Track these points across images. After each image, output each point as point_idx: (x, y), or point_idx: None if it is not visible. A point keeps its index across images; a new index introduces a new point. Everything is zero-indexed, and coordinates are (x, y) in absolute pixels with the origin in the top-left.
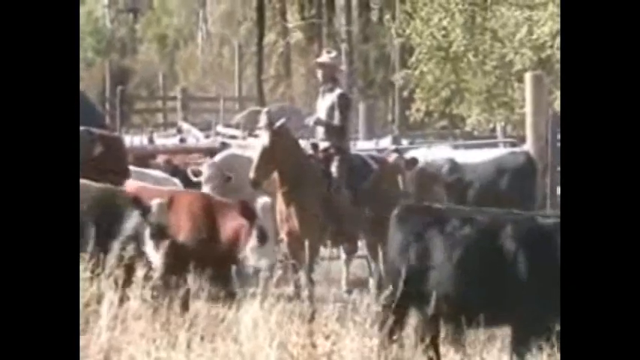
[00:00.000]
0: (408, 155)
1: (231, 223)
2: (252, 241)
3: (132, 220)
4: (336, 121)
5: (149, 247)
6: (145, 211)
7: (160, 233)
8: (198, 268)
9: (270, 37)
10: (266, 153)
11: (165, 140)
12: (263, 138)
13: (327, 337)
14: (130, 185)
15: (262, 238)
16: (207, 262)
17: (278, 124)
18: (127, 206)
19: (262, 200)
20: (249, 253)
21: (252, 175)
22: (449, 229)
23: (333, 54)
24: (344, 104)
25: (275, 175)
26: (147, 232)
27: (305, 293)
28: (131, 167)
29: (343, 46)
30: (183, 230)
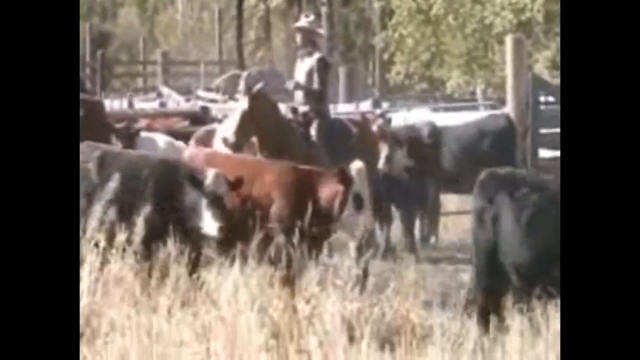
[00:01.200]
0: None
1: (325, 191)
2: (349, 207)
3: (190, 192)
4: (315, 85)
5: (206, 218)
6: (201, 181)
7: (217, 204)
8: (292, 239)
9: (249, 0)
10: (245, 116)
11: (146, 104)
12: (242, 102)
13: (307, 301)
14: (209, 154)
15: (359, 204)
16: (304, 233)
17: (256, 88)
18: (186, 177)
19: (357, 165)
20: (346, 220)
21: (232, 138)
22: (534, 195)
23: (312, 18)
24: (323, 68)
25: (254, 139)
26: (203, 203)
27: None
28: (142, 133)
29: (323, 10)
30: (277, 202)
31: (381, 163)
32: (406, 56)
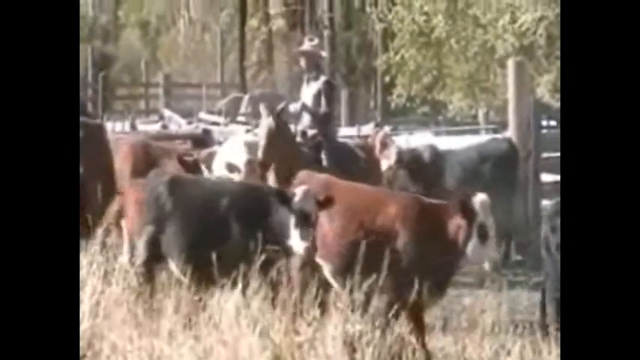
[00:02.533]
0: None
1: (449, 224)
2: (474, 241)
3: (277, 212)
4: (323, 108)
5: (294, 236)
6: (290, 198)
7: (305, 222)
8: (420, 275)
9: (252, 23)
10: (272, 135)
11: (148, 127)
12: (267, 121)
13: (309, 324)
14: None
15: (484, 236)
16: (429, 269)
17: (280, 107)
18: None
19: (480, 197)
20: (471, 253)
21: (261, 156)
22: None
23: (315, 41)
24: (330, 91)
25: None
26: (292, 221)
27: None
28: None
29: (325, 33)
30: (402, 235)
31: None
32: (408, 79)
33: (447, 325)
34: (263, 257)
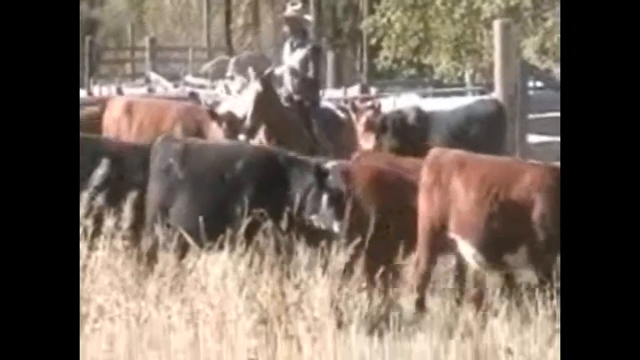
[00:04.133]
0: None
1: None
2: None
3: (298, 184)
4: (310, 73)
5: (328, 214)
6: (321, 174)
7: (339, 199)
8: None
9: None
10: (260, 100)
11: (134, 90)
12: (254, 85)
13: (296, 287)
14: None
15: None
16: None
17: (267, 71)
18: (294, 169)
19: None
20: None
21: (248, 122)
22: None
23: (299, 5)
24: (317, 57)
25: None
26: (324, 198)
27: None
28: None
29: None
30: (539, 206)
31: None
32: (394, 41)
33: (434, 287)
34: (248, 220)
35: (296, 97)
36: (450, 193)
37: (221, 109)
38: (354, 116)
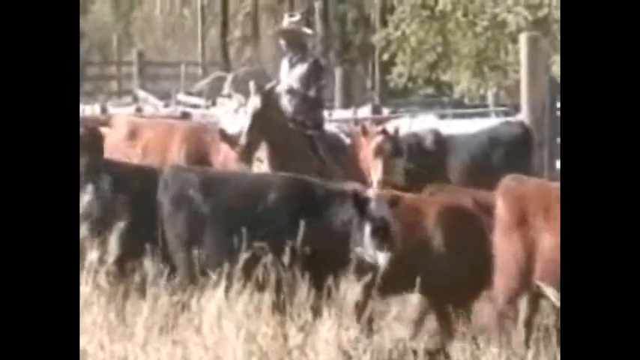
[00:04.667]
0: (388, 126)
1: None
2: None
3: (339, 214)
4: (312, 92)
5: (371, 245)
6: (362, 203)
7: (385, 230)
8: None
9: None
10: (258, 117)
11: (120, 110)
12: (253, 100)
13: (300, 329)
14: None
15: None
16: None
17: (269, 86)
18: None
19: None
20: None
21: (243, 140)
22: None
23: (297, 17)
24: (319, 73)
25: (263, 145)
26: (367, 229)
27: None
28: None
29: (317, 5)
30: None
31: (375, 182)
32: (409, 57)
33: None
34: (247, 255)
35: (297, 119)
36: (534, 232)
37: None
38: (363, 140)
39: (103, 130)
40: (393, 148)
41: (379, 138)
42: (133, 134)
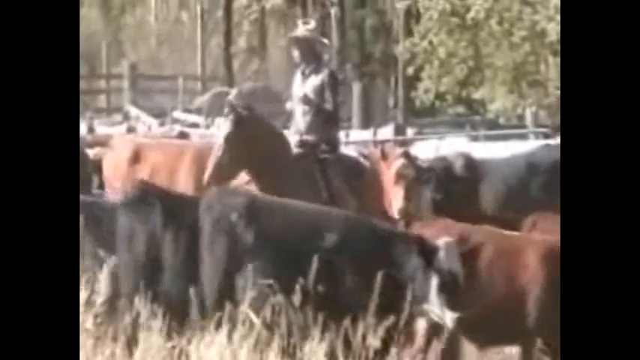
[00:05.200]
0: (411, 149)
1: None
2: None
3: (404, 264)
4: (328, 105)
5: (438, 303)
6: (427, 252)
7: (453, 286)
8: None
9: (241, 0)
10: (230, 144)
11: (109, 129)
12: (225, 125)
13: None
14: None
15: None
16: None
17: (232, 94)
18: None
19: None
20: None
21: (207, 176)
22: None
23: (311, 24)
24: (335, 86)
25: (245, 176)
26: (434, 283)
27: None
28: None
29: (333, 11)
30: None
31: (395, 211)
32: (437, 70)
33: None
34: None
35: (309, 139)
36: None
37: None
38: (383, 165)
39: (101, 151)
40: (417, 174)
41: (400, 162)
42: (136, 157)
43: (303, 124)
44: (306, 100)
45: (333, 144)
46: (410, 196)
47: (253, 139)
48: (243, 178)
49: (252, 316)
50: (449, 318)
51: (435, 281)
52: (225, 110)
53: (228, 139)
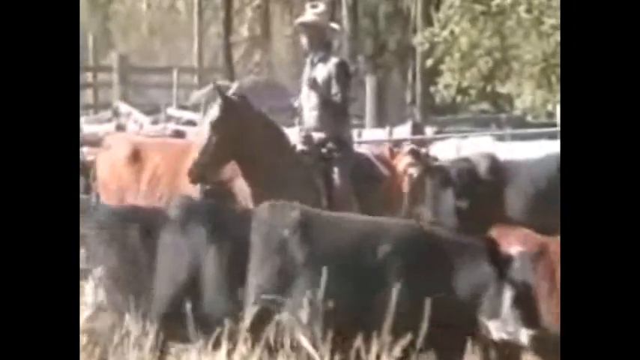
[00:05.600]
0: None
1: None
2: None
3: (470, 276)
4: (337, 97)
5: (512, 318)
6: (501, 262)
7: (528, 300)
8: None
9: None
10: (216, 131)
11: (97, 127)
12: (213, 109)
13: None
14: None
15: None
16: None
17: (232, 89)
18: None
19: None
20: None
21: (191, 162)
22: None
23: (321, 8)
24: (344, 76)
25: (235, 167)
26: (507, 296)
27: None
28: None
29: None
30: None
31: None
32: (458, 63)
33: None
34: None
35: (315, 135)
36: None
37: None
38: (400, 167)
39: (90, 151)
40: (436, 177)
41: (406, 160)
42: (135, 157)
43: (310, 118)
44: (313, 85)
45: (343, 142)
46: (415, 198)
47: (244, 128)
48: (226, 173)
49: (306, 344)
50: (524, 335)
51: (508, 294)
52: (214, 94)
53: (215, 126)
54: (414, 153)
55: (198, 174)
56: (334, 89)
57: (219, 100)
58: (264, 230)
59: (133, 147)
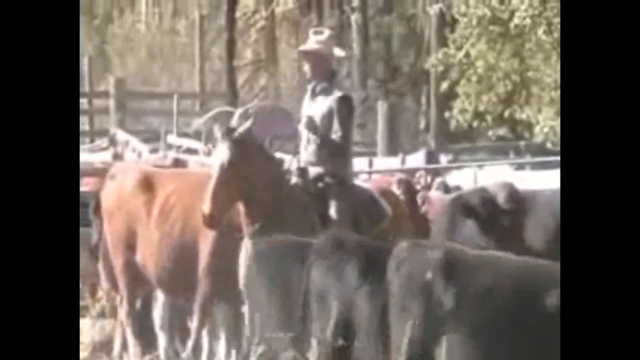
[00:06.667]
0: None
1: None
2: None
3: None
4: (337, 135)
5: None
6: None
7: None
8: None
9: (246, 4)
10: (227, 174)
11: (93, 156)
12: (221, 151)
13: None
14: None
15: None
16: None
17: (242, 129)
18: None
19: None
20: None
21: (207, 208)
22: None
23: (326, 35)
24: (346, 112)
25: (240, 207)
26: None
27: None
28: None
29: (354, 18)
30: None
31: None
32: (475, 87)
33: None
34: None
35: (311, 171)
36: None
37: None
38: (419, 201)
39: (86, 181)
40: (453, 207)
41: (426, 210)
42: (147, 187)
43: (307, 153)
44: (309, 124)
45: (341, 177)
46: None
47: (250, 167)
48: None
49: None
50: None
51: None
52: (219, 134)
53: (223, 172)
54: (401, 183)
55: (217, 220)
56: (335, 127)
57: (227, 142)
58: (403, 271)
59: (142, 176)
